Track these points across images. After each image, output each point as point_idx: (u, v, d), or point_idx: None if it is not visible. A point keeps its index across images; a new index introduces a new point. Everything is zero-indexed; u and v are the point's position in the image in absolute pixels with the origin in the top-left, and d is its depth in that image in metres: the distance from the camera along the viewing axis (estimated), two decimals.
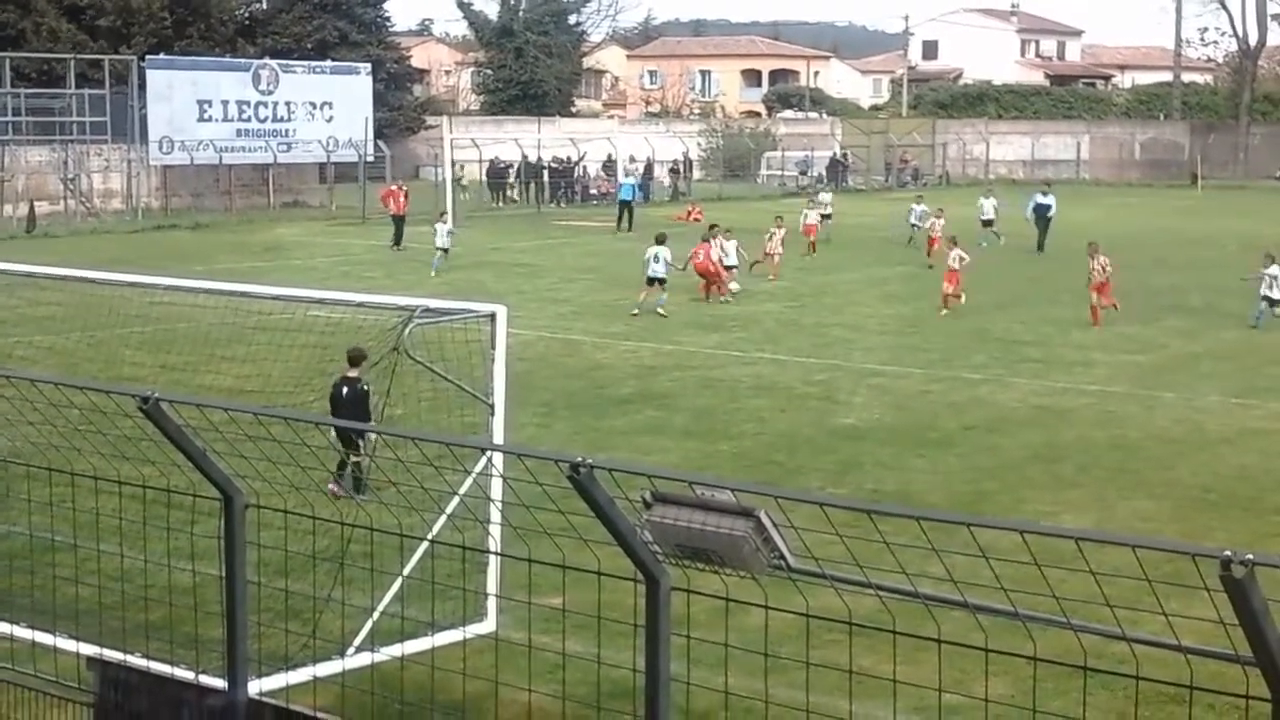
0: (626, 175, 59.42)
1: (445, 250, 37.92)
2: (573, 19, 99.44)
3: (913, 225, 44.41)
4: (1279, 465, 17.82)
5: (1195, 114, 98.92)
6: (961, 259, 31.34)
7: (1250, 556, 3.51)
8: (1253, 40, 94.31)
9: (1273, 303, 28.49)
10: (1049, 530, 4.74)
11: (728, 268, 32.98)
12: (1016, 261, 40.68)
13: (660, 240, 31.25)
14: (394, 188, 48.46)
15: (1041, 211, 44.53)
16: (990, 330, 28.64)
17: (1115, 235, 40.98)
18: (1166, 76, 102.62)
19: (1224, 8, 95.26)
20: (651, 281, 30.45)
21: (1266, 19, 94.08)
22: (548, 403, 21.06)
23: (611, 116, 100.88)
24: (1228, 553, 3.95)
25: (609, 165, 66.62)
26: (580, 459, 5.36)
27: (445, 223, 39.46)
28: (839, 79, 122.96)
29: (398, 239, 44.97)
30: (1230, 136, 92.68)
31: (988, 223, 45.23)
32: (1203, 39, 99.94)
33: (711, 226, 34.63)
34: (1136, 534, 14.54)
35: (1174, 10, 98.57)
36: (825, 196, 50.67)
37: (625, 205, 52.67)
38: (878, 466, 17.69)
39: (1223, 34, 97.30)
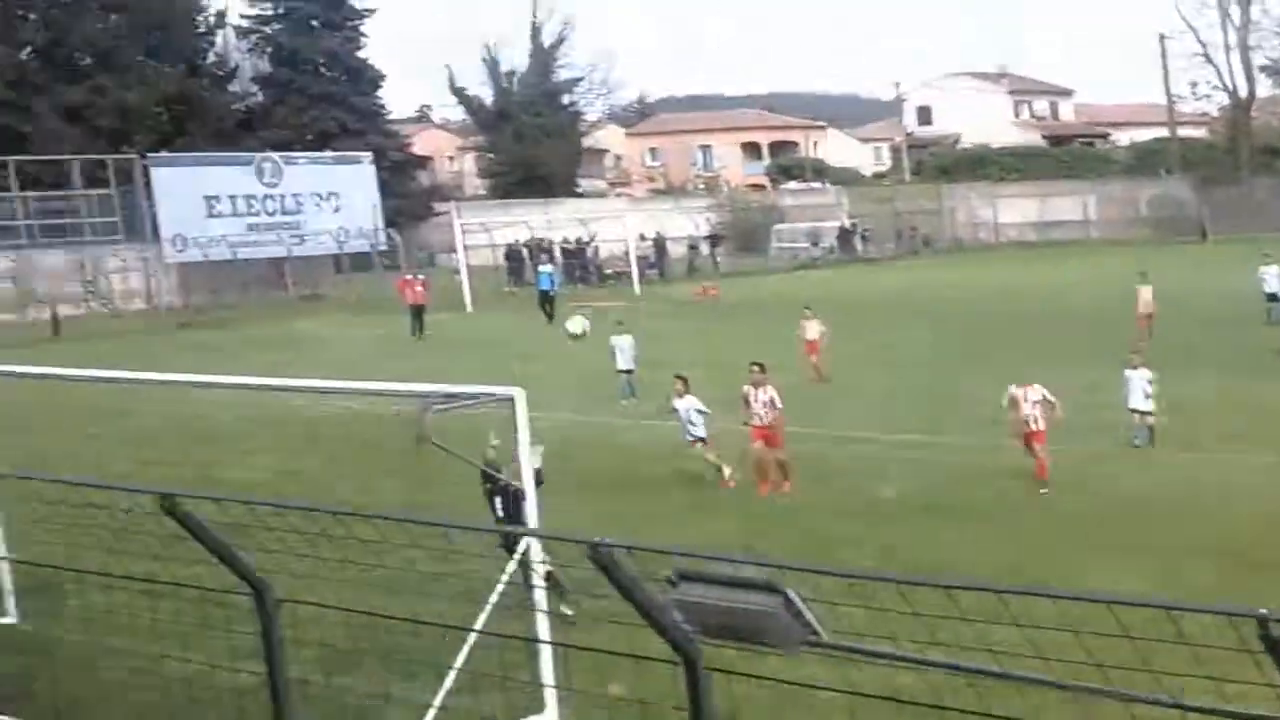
0: (542, 265, 56.41)
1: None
2: (566, 98, 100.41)
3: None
4: None
5: (1195, 169, 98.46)
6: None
7: None
8: (1243, 93, 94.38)
9: None
10: (1078, 595, 4.73)
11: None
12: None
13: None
14: (409, 277, 48.49)
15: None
16: None
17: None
18: (1162, 132, 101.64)
19: (1210, 62, 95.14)
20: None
21: (1253, 72, 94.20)
22: (583, 485, 19.76)
23: (619, 195, 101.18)
24: (1263, 611, 3.97)
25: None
26: (598, 539, 5.31)
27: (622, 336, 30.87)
28: (837, 148, 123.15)
29: (416, 328, 45.16)
30: (1234, 190, 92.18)
31: (1272, 296, 38.24)
32: (1194, 93, 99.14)
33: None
34: None
35: (1160, 67, 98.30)
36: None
37: (544, 295, 49.52)
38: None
39: (1213, 87, 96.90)
